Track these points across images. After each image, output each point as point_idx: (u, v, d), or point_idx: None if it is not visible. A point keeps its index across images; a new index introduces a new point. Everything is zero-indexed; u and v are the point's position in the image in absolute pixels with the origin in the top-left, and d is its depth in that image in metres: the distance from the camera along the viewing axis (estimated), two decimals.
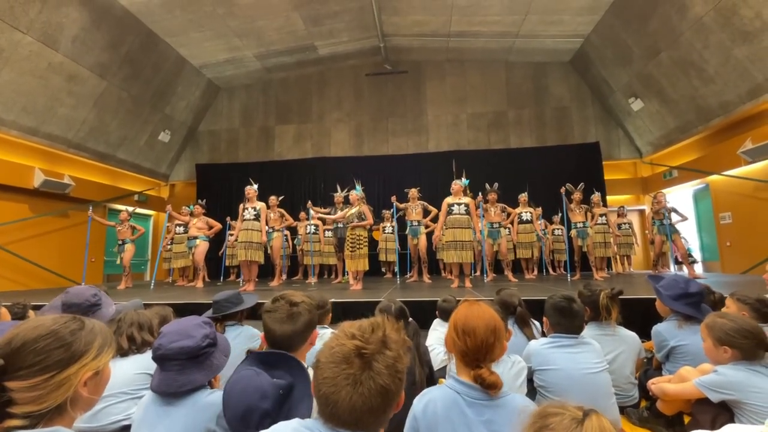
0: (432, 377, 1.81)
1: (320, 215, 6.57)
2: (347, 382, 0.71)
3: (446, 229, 4.97)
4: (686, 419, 1.66)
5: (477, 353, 1.08)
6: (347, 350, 0.73)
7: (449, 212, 4.96)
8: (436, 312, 2.58)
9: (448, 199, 5.04)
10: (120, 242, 6.51)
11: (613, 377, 1.69)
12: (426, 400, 1.11)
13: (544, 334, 2.04)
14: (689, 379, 1.54)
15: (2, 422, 0.69)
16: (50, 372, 0.75)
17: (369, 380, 0.71)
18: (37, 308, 2.31)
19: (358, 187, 5.50)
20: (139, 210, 8.33)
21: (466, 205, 4.95)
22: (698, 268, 7.68)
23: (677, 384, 1.55)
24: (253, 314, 3.04)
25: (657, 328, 1.96)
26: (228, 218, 7.57)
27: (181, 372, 1.22)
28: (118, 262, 6.62)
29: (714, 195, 7.28)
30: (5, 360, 0.72)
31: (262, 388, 1.07)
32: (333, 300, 2.76)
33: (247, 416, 1.05)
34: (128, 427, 1.46)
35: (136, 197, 9.03)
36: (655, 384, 1.66)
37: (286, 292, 1.32)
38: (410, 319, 1.89)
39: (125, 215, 6.59)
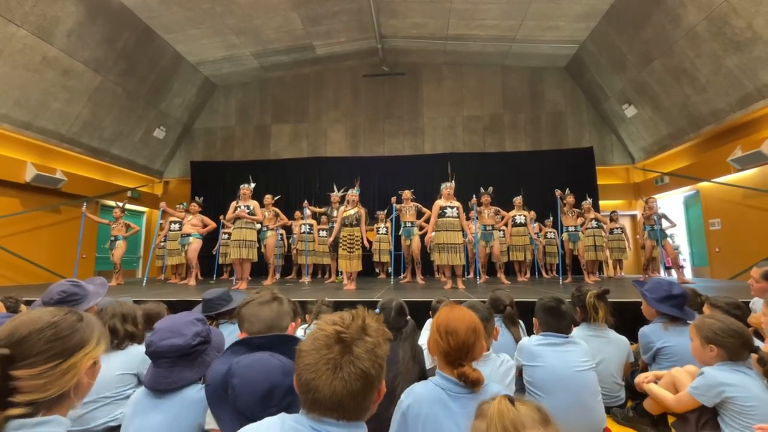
0: (423, 376, 1.83)
1: (317, 221, 6.47)
2: (327, 367, 0.73)
3: (437, 231, 5.01)
4: (670, 419, 1.70)
5: (459, 352, 1.12)
6: (327, 335, 0.76)
7: (441, 215, 5.00)
8: (430, 312, 2.60)
9: (440, 202, 5.08)
10: (112, 238, 6.45)
11: (600, 378, 1.72)
12: (412, 395, 1.15)
13: (530, 334, 2.07)
14: (681, 381, 1.57)
15: (4, 411, 0.71)
16: (57, 360, 0.78)
17: (349, 365, 0.73)
18: (28, 303, 2.29)
19: (357, 188, 5.53)
20: (129, 206, 8.24)
21: (458, 209, 5.03)
22: (687, 273, 7.79)
23: (677, 397, 1.55)
24: None
25: (643, 330, 2.00)
26: (222, 216, 7.53)
27: (171, 369, 1.23)
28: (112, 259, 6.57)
29: (704, 201, 7.39)
30: (11, 350, 0.74)
31: (282, 365, 1.07)
32: (327, 299, 2.77)
33: (268, 395, 1.03)
34: (115, 428, 1.46)
35: (129, 193, 8.96)
36: (648, 386, 1.68)
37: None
38: (408, 317, 1.91)
39: (118, 212, 6.53)
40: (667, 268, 7.40)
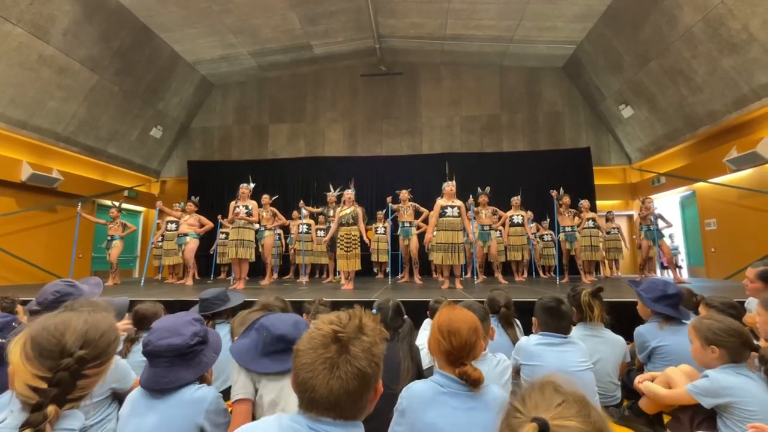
0: (420, 375, 1.83)
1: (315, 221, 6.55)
2: (324, 366, 0.73)
3: (438, 231, 4.99)
4: (666, 418, 1.71)
5: (461, 351, 1.13)
6: (325, 334, 0.76)
7: (442, 215, 4.98)
8: (427, 312, 2.61)
9: (441, 202, 5.05)
10: (109, 238, 6.43)
11: (596, 377, 1.73)
12: (412, 390, 1.16)
13: (528, 334, 2.08)
14: (675, 379, 1.58)
15: (62, 407, 0.77)
16: (111, 359, 0.87)
17: (346, 363, 0.73)
18: (23, 303, 2.28)
19: (352, 188, 5.54)
20: (126, 205, 8.19)
21: (459, 208, 4.98)
22: (683, 273, 7.83)
23: (672, 391, 1.57)
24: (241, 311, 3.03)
25: (639, 330, 2.01)
26: (219, 216, 7.51)
27: (169, 369, 1.23)
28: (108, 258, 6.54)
29: (700, 202, 7.44)
30: (87, 350, 0.81)
31: (294, 317, 1.42)
32: (325, 299, 2.77)
33: (296, 324, 1.37)
34: None
35: (126, 193, 8.93)
36: (644, 384, 1.69)
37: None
38: (405, 317, 1.92)
39: (115, 212, 6.51)
40: (664, 268, 7.44)
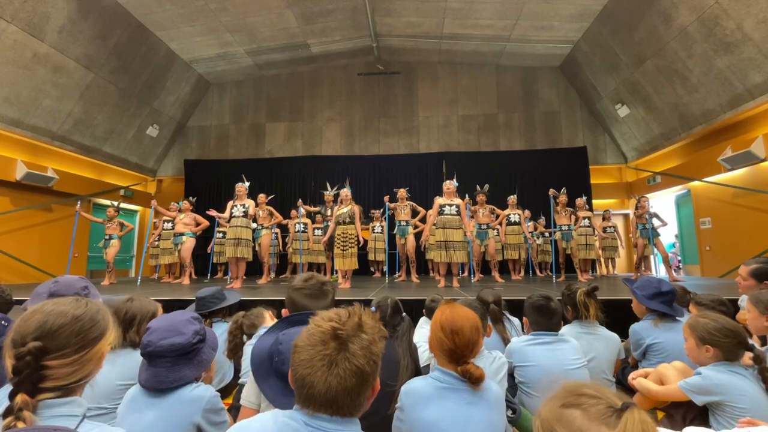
0: (418, 372, 1.84)
1: (312, 220, 6.51)
2: (323, 363, 0.73)
3: (437, 229, 5.00)
4: (659, 414, 1.73)
5: (464, 350, 1.14)
6: (324, 331, 0.76)
7: (440, 213, 4.98)
8: (423, 311, 2.62)
9: (440, 200, 5.05)
10: (106, 237, 6.40)
11: (591, 375, 1.74)
12: (412, 386, 1.17)
13: (523, 331, 2.09)
14: (667, 375, 1.59)
15: (34, 397, 0.76)
16: (85, 349, 0.84)
17: (344, 361, 0.73)
18: (19, 303, 2.27)
19: (349, 187, 5.54)
20: (123, 204, 8.15)
21: (458, 206, 4.99)
22: (679, 272, 7.89)
23: (664, 387, 1.58)
24: (238, 310, 3.05)
25: (634, 327, 2.03)
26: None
27: (172, 368, 1.22)
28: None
29: (695, 201, 7.49)
30: (43, 341, 0.79)
31: None
32: None
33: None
34: None
35: (122, 192, 8.88)
36: (637, 380, 1.70)
37: (313, 273, 1.49)
38: (404, 314, 1.92)
39: (113, 212, 6.48)
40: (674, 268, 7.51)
